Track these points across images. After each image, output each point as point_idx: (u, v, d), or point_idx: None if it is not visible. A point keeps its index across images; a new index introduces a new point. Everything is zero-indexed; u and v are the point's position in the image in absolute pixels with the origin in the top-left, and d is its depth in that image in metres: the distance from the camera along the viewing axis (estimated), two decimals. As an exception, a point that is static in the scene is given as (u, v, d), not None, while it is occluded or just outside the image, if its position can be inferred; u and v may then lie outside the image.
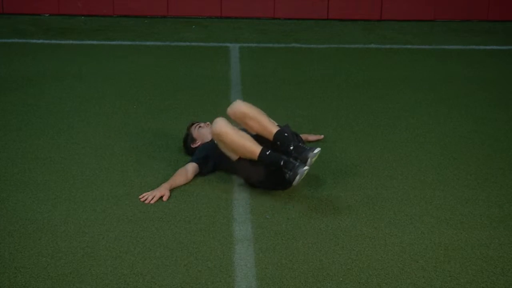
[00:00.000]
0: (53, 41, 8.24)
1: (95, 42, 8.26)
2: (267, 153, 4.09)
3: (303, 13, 9.78)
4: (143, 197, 4.08)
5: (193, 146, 4.64)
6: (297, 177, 3.96)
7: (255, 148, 4.11)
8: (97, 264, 3.39)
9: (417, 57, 7.83)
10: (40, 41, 8.23)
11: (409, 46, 8.34)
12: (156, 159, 4.67)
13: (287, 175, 4.01)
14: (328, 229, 3.77)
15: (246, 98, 6.06)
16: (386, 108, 5.87)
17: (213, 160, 4.39)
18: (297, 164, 3.99)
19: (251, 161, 4.15)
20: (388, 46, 8.33)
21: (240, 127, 4.31)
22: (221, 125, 4.16)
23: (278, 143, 4.17)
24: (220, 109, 5.74)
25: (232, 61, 7.47)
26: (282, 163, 4.03)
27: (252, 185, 4.24)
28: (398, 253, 3.53)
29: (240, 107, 4.34)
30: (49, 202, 4.03)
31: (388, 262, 3.45)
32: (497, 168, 4.63)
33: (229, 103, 5.92)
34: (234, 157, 4.21)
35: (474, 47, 8.38)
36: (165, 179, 4.23)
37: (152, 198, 4.05)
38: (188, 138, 4.68)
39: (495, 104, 6.03)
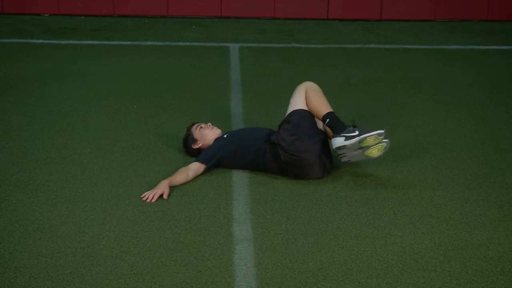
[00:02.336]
0: (53, 41, 8.25)
1: (95, 42, 8.27)
2: (335, 115, 4.34)
3: (303, 13, 9.78)
4: (144, 196, 4.08)
5: (194, 147, 4.63)
6: (378, 131, 4.16)
7: (329, 107, 4.40)
8: (97, 264, 3.39)
9: (417, 57, 7.84)
10: (40, 41, 8.23)
11: (409, 46, 8.34)
12: (156, 159, 4.67)
13: (356, 131, 4.18)
14: (328, 229, 3.77)
15: (246, 98, 6.09)
16: (386, 108, 5.87)
17: (220, 154, 4.41)
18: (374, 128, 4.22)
19: (303, 127, 4.32)
20: (388, 46, 8.33)
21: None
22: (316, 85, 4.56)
23: (328, 120, 4.34)
24: (220, 109, 5.78)
25: (232, 61, 7.47)
26: (352, 127, 4.23)
27: (281, 147, 4.29)
28: (398, 253, 3.53)
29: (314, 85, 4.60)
30: (49, 202, 4.03)
31: (388, 262, 3.45)
32: (497, 168, 4.63)
33: (229, 103, 5.98)
34: (299, 106, 4.43)
35: (474, 47, 8.38)
36: (165, 179, 4.24)
37: (153, 197, 4.05)
38: (189, 139, 4.66)
39: (495, 104, 6.03)
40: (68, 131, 5.17)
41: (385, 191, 4.25)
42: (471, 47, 8.39)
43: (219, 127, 4.71)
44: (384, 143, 4.25)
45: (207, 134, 4.62)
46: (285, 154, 4.30)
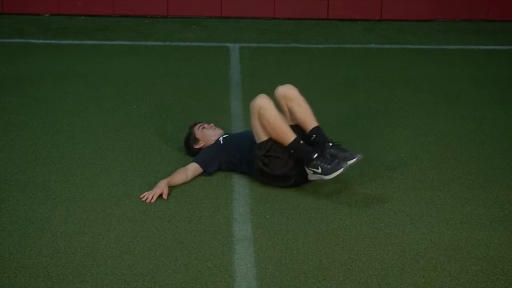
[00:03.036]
0: (53, 41, 8.24)
1: (95, 42, 8.27)
2: (301, 142, 4.10)
3: (303, 13, 9.78)
4: (144, 196, 4.08)
5: (196, 147, 4.62)
6: (341, 170, 3.96)
7: (291, 134, 4.11)
8: (97, 264, 3.39)
9: (417, 57, 7.83)
10: (40, 41, 8.23)
11: (409, 46, 8.34)
12: (156, 159, 4.67)
13: (321, 166, 3.99)
14: (328, 229, 3.77)
15: (246, 98, 6.08)
16: (386, 108, 5.87)
17: (218, 159, 4.39)
18: (337, 160, 4.00)
19: (275, 150, 4.14)
20: (388, 46, 8.33)
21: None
22: (266, 100, 4.17)
23: (314, 136, 4.20)
24: (220, 109, 5.77)
25: (232, 61, 7.47)
26: (315, 156, 4.03)
27: (262, 177, 4.21)
28: (398, 253, 3.53)
29: (294, 89, 4.38)
30: (49, 202, 4.03)
31: (388, 262, 3.45)
32: (497, 168, 4.63)
33: (229, 103, 5.98)
34: (263, 137, 4.16)
35: (474, 47, 8.38)
36: (165, 178, 4.23)
37: (153, 197, 4.05)
38: (191, 138, 4.65)
39: (495, 104, 6.03)
40: (68, 131, 5.17)
41: (385, 191, 4.25)
42: (471, 47, 8.39)
43: (221, 128, 4.71)
44: (355, 158, 4.09)
45: (209, 134, 4.61)
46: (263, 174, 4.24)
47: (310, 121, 4.29)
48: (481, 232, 3.76)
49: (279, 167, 4.17)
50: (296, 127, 4.28)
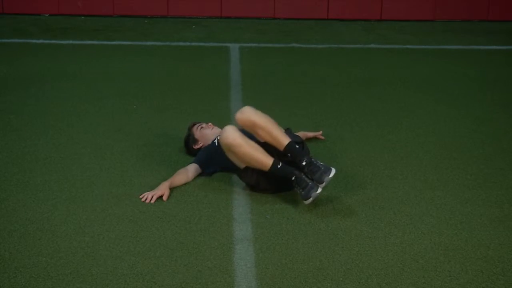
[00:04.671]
0: (53, 41, 8.25)
1: (95, 42, 8.27)
2: (279, 166, 4.01)
3: (303, 13, 9.79)
4: (143, 196, 4.08)
5: (195, 147, 4.63)
6: (310, 199, 3.90)
7: (267, 161, 4.02)
8: (97, 264, 3.39)
9: (417, 57, 7.84)
10: (40, 41, 8.24)
11: (409, 46, 8.35)
12: (156, 159, 4.67)
13: (299, 191, 3.96)
14: (328, 229, 3.77)
15: (246, 98, 6.09)
16: (386, 108, 5.87)
17: (216, 162, 4.39)
18: (310, 184, 3.92)
19: (257, 175, 4.10)
20: (388, 46, 8.34)
21: (247, 132, 4.21)
22: (233, 136, 4.04)
23: (289, 155, 4.08)
24: (220, 109, 5.77)
25: (232, 61, 7.48)
26: (293, 178, 3.98)
27: (255, 191, 4.21)
28: (398, 253, 3.53)
29: (250, 116, 4.16)
30: (49, 202, 4.03)
31: (388, 262, 3.45)
32: (497, 168, 4.63)
33: (229, 103, 5.97)
34: (241, 165, 4.15)
35: (474, 47, 8.38)
36: (165, 179, 4.23)
37: (152, 198, 4.05)
38: (190, 139, 4.66)
39: (495, 104, 6.03)
40: (68, 131, 5.17)
41: (385, 191, 4.25)
42: (471, 47, 8.40)
43: (219, 127, 4.71)
44: (325, 180, 3.96)
45: (208, 134, 4.62)
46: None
47: (279, 141, 4.11)
48: (481, 232, 3.76)
49: (268, 184, 4.14)
50: (269, 144, 4.16)
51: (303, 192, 3.94)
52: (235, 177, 4.38)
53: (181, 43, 8.28)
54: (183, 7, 9.75)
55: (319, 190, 3.92)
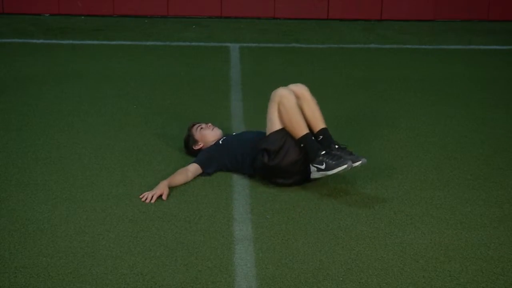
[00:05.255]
0: (53, 41, 8.25)
1: (95, 42, 8.27)
2: (312, 138, 4.18)
3: (303, 13, 9.78)
4: (143, 196, 4.08)
5: (195, 148, 4.63)
6: (341, 167, 3.99)
7: (304, 128, 4.20)
8: (97, 264, 3.39)
9: (417, 57, 7.84)
10: (40, 41, 8.23)
11: (409, 46, 8.34)
12: (156, 159, 4.67)
13: (328, 162, 4.04)
14: (328, 229, 3.77)
15: (246, 98, 6.09)
16: (386, 108, 5.87)
17: (217, 160, 4.39)
18: (345, 157, 4.05)
19: (285, 141, 4.20)
20: (388, 46, 8.33)
21: None
22: (288, 91, 4.31)
23: (321, 137, 4.24)
24: (220, 109, 5.77)
25: (232, 61, 7.47)
26: (323, 153, 4.09)
27: (265, 171, 4.23)
28: (398, 253, 3.53)
29: (303, 88, 4.43)
30: (49, 202, 4.03)
31: (388, 262, 3.45)
32: (497, 168, 4.63)
33: (229, 103, 5.97)
34: (276, 126, 4.24)
35: (474, 47, 8.38)
36: (165, 179, 4.23)
37: (152, 197, 4.05)
38: (190, 140, 4.66)
39: (495, 104, 6.03)
40: (68, 131, 5.17)
41: (385, 191, 4.25)
42: (471, 47, 8.39)
43: (219, 127, 4.71)
44: (360, 161, 4.09)
45: (208, 134, 4.62)
46: (269, 167, 4.24)
47: (318, 122, 4.32)
48: (481, 232, 3.76)
49: (284, 159, 4.20)
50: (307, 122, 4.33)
51: (333, 162, 4.02)
52: (235, 177, 4.38)
53: (181, 43, 8.28)
54: (183, 7, 9.75)
55: (359, 163, 4.03)
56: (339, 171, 4.01)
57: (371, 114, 5.69)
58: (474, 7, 9.78)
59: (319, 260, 3.45)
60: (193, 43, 8.29)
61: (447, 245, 3.61)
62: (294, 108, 4.24)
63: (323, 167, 4.07)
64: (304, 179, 4.26)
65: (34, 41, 8.22)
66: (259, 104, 5.96)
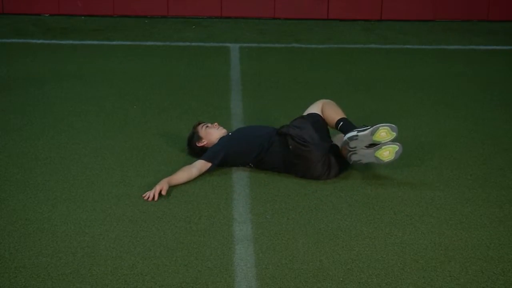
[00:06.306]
0: (53, 41, 8.25)
1: (95, 42, 8.27)
2: (346, 122, 4.45)
3: (303, 13, 9.78)
4: (146, 195, 4.08)
5: (199, 144, 4.64)
6: (379, 124, 4.23)
7: (341, 114, 4.55)
8: (97, 264, 3.39)
9: (417, 57, 7.83)
10: (40, 41, 8.23)
11: (409, 46, 8.34)
12: (156, 159, 4.67)
13: (363, 127, 4.29)
14: (328, 229, 3.77)
15: (246, 98, 6.09)
16: (386, 108, 5.87)
17: (226, 150, 4.42)
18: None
19: (321, 125, 4.52)
20: (388, 46, 8.33)
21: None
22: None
23: (342, 123, 4.47)
24: (220, 109, 5.77)
25: (232, 61, 7.47)
26: (356, 132, 4.28)
27: (295, 142, 4.33)
28: (398, 253, 3.53)
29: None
30: (49, 202, 4.03)
31: (388, 262, 3.45)
32: (497, 168, 4.63)
33: (229, 103, 5.97)
34: (318, 110, 4.58)
35: (474, 47, 8.38)
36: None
37: (154, 196, 4.05)
38: (194, 136, 4.67)
39: (495, 104, 6.03)
40: (68, 131, 5.17)
41: (385, 191, 4.25)
42: (471, 47, 8.39)
43: (225, 128, 4.73)
44: (396, 146, 4.26)
45: (213, 133, 4.64)
46: (294, 143, 4.34)
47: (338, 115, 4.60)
48: (481, 232, 3.76)
49: (313, 140, 4.36)
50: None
51: (371, 128, 4.24)
52: (235, 177, 4.38)
53: (181, 43, 8.27)
54: (183, 7, 9.74)
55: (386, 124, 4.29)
56: (387, 126, 4.23)
57: (371, 114, 5.69)
58: (474, 7, 9.78)
59: (319, 260, 3.46)
60: (193, 43, 8.29)
61: (447, 245, 3.61)
62: (336, 105, 4.62)
63: (368, 127, 4.26)
64: (324, 170, 4.35)
65: (34, 41, 8.22)
66: (259, 104, 5.98)
